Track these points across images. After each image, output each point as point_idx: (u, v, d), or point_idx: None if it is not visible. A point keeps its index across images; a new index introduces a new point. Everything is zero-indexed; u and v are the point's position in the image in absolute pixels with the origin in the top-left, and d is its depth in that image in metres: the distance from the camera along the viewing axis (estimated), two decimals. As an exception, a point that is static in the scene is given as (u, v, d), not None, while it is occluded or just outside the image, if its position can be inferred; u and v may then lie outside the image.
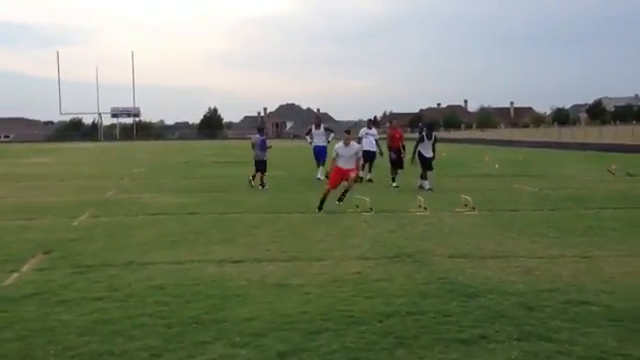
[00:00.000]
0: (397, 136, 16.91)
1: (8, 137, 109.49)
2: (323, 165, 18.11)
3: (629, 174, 19.04)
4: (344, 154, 11.76)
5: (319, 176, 18.01)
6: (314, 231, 9.29)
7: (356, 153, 11.92)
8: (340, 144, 11.83)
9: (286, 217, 10.85)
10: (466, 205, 11.45)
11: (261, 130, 17.69)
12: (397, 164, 16.55)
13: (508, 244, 7.89)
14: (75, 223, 10.27)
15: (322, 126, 18.76)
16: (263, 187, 15.90)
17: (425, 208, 11.23)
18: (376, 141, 17.64)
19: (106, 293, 5.87)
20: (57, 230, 9.50)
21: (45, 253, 7.72)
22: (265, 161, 16.37)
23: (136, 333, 4.72)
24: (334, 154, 11.89)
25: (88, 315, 5.18)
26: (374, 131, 18.10)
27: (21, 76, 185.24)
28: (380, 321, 4.94)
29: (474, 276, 6.40)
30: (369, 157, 17.26)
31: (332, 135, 18.89)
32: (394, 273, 6.59)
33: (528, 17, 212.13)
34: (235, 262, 7.20)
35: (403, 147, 16.79)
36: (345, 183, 11.68)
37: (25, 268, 6.98)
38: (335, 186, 11.71)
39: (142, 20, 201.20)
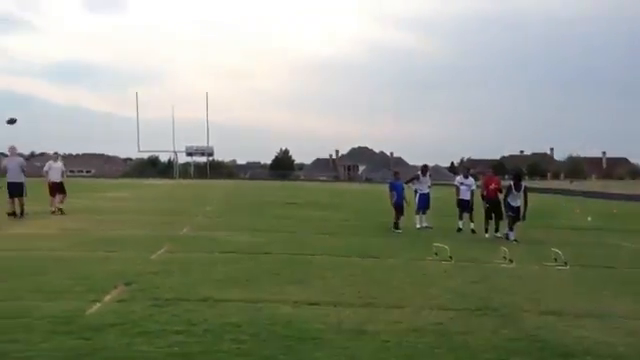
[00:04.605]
0: (493, 186, 16.33)
1: (89, 172, 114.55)
2: (424, 213, 17.59)
3: None
4: None
5: (424, 224, 17.30)
6: (390, 277, 9.03)
7: None
8: None
9: (359, 262, 10.63)
10: (556, 259, 10.81)
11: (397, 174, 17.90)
12: (496, 215, 15.84)
13: (605, 303, 7.35)
14: (153, 257, 10.41)
15: (428, 173, 18.33)
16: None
17: (510, 260, 10.75)
18: (472, 192, 17.04)
19: (185, 327, 5.83)
20: (136, 263, 9.63)
21: (126, 285, 7.80)
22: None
23: (214, 369, 4.61)
24: None
25: (167, 348, 5.15)
26: (471, 181, 17.41)
27: (103, 114, 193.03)
28: (467, 376, 4.63)
29: (567, 335, 5.98)
30: (464, 206, 16.92)
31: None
32: (478, 327, 6.24)
33: (619, 61, 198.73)
34: (310, 304, 7.05)
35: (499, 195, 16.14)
36: None
37: (107, 298, 7.05)
38: None
39: (217, 62, 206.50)
